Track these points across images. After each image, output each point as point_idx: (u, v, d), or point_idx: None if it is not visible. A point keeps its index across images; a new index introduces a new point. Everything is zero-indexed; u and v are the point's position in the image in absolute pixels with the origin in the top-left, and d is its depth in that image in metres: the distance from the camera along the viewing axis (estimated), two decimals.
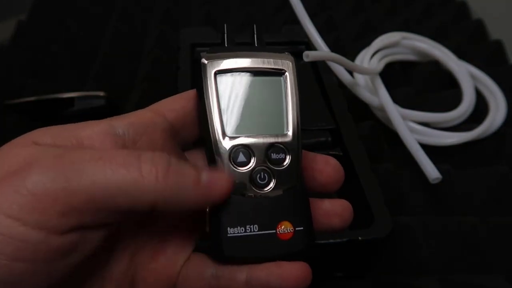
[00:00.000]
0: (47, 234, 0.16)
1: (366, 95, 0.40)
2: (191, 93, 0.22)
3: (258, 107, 0.21)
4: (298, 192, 0.21)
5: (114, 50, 0.49)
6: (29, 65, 0.47)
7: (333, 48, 0.38)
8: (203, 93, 0.20)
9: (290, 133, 0.21)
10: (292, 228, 0.20)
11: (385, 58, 0.45)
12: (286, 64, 0.21)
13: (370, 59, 0.44)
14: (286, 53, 0.22)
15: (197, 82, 0.21)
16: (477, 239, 0.33)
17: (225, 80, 0.20)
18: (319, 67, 0.40)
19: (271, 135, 0.20)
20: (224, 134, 0.20)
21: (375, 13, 0.56)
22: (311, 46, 0.41)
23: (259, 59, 0.21)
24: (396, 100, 0.41)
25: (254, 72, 0.21)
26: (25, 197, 0.15)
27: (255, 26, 0.23)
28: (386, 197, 0.30)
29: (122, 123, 0.20)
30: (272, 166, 0.20)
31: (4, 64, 0.46)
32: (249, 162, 0.20)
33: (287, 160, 0.20)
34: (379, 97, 0.40)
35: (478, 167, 0.39)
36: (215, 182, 0.19)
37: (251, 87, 0.21)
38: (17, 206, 0.15)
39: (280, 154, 0.20)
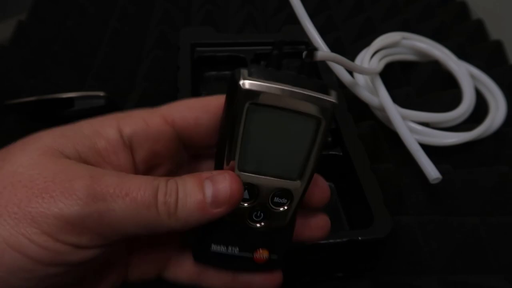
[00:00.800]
0: (73, 249, 0.18)
1: (366, 95, 0.40)
2: (209, 102, 0.21)
3: (279, 148, 0.20)
4: (284, 229, 0.22)
5: (114, 50, 0.49)
6: (29, 65, 0.47)
7: (333, 48, 0.38)
8: (230, 115, 0.19)
9: (301, 181, 0.20)
10: (268, 255, 0.22)
11: (385, 58, 0.45)
12: (326, 111, 0.19)
13: (370, 59, 0.44)
14: (333, 92, 0.20)
15: (229, 94, 0.20)
16: (477, 239, 0.33)
17: (257, 113, 0.19)
18: (319, 67, 0.40)
19: (281, 179, 0.20)
20: (237, 167, 0.20)
21: (375, 13, 0.56)
22: (311, 46, 0.41)
23: (300, 101, 0.19)
24: (396, 100, 0.41)
25: (290, 111, 0.19)
26: (63, 221, 0.18)
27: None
28: (386, 197, 0.30)
29: (129, 130, 0.21)
30: (271, 207, 0.21)
31: (4, 64, 0.46)
32: (252, 200, 0.20)
33: (287, 206, 0.21)
34: (379, 97, 0.40)
35: (478, 167, 0.39)
36: (219, 206, 0.20)
37: (281, 126, 0.19)
38: (54, 227, 0.18)
39: (283, 199, 0.21)
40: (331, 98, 0.19)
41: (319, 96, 0.19)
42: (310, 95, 0.19)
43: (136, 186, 0.19)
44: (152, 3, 0.57)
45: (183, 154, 0.23)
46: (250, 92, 0.18)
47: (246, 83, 0.18)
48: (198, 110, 0.21)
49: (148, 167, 0.22)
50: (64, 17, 0.53)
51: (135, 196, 0.19)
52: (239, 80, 0.18)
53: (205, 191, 0.20)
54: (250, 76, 0.18)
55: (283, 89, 0.19)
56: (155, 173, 0.23)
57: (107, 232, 0.19)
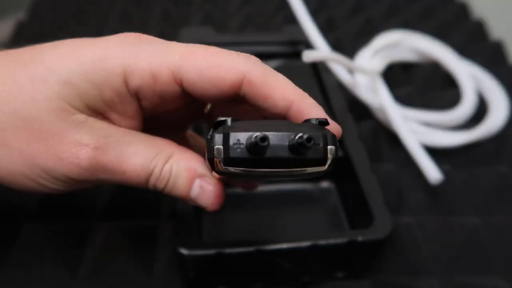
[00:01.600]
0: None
1: (366, 95, 0.40)
2: (224, 77, 0.21)
3: None
4: None
5: None
6: None
7: (333, 48, 0.38)
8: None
9: None
10: None
11: (386, 58, 0.45)
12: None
13: (371, 59, 0.44)
14: (329, 159, 0.19)
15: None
16: (478, 240, 0.33)
17: None
18: (319, 67, 0.40)
19: None
20: None
21: (376, 13, 0.56)
22: (311, 46, 0.41)
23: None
24: (396, 100, 0.41)
25: None
26: (66, 179, 0.21)
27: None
28: (386, 197, 0.30)
29: (135, 85, 0.21)
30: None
31: None
32: None
33: None
34: (380, 97, 0.40)
35: (478, 168, 0.39)
36: (199, 203, 0.23)
37: None
38: (56, 181, 0.21)
39: None
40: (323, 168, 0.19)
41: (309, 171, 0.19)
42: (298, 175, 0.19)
43: (133, 166, 0.21)
44: (152, 3, 0.57)
45: (196, 103, 0.23)
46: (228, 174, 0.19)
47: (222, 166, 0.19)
48: (210, 83, 0.21)
49: (155, 109, 0.23)
50: (64, 17, 0.53)
51: (131, 176, 0.21)
52: (214, 156, 0.19)
53: (191, 190, 0.22)
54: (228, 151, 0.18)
55: (265, 172, 0.19)
56: (163, 116, 0.24)
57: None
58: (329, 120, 0.21)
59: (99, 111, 0.21)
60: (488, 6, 0.57)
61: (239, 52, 0.22)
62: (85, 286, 0.29)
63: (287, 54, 0.42)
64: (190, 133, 0.29)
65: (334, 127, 0.21)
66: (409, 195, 0.36)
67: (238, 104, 0.23)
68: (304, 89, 0.22)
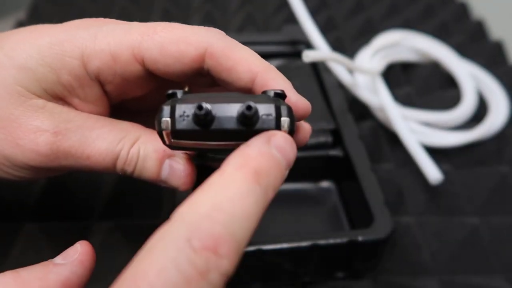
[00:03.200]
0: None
1: (366, 95, 0.40)
2: (185, 50, 0.20)
3: None
4: None
5: None
6: None
7: (333, 48, 0.38)
8: None
9: None
10: None
11: (386, 58, 0.45)
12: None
13: (371, 59, 0.44)
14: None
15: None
16: (478, 240, 0.33)
17: None
18: (319, 67, 0.40)
19: None
20: None
21: (376, 13, 0.56)
22: (311, 46, 0.41)
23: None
24: (396, 100, 0.41)
25: None
26: (28, 167, 0.21)
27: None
28: (386, 197, 0.30)
29: (94, 67, 0.20)
30: None
31: None
32: None
33: None
34: (380, 98, 0.40)
35: (478, 168, 0.39)
36: (170, 186, 0.22)
37: None
38: (16, 168, 0.21)
39: None
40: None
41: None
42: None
43: (97, 150, 0.20)
44: (152, 3, 0.57)
45: (165, 86, 0.22)
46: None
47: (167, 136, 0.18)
48: (171, 58, 0.20)
49: (121, 94, 0.22)
50: (64, 17, 0.53)
51: (97, 160, 0.20)
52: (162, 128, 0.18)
53: (161, 171, 0.21)
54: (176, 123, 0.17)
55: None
56: (134, 103, 0.23)
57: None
58: (294, 95, 0.20)
59: (58, 96, 0.21)
60: (488, 6, 0.57)
61: (201, 26, 0.21)
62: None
63: (287, 54, 0.42)
64: None
65: (299, 102, 0.20)
66: (409, 195, 0.36)
67: (214, 86, 0.22)
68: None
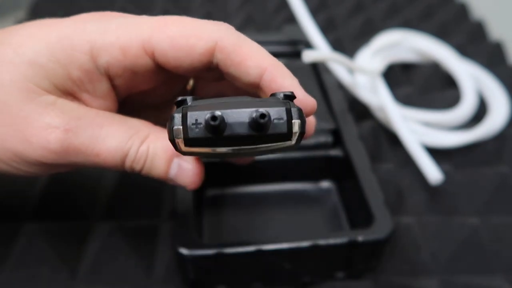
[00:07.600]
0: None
1: (366, 95, 0.40)
2: (195, 44, 0.20)
3: None
4: None
5: None
6: None
7: (333, 48, 0.38)
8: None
9: None
10: None
11: (386, 58, 0.45)
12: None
13: (371, 59, 0.44)
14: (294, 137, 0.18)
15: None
16: (478, 240, 0.33)
17: None
18: (319, 67, 0.40)
19: None
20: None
21: (376, 13, 0.56)
22: (311, 46, 0.41)
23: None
24: (397, 100, 0.41)
25: None
26: (38, 163, 0.21)
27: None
28: (387, 197, 0.30)
29: (103, 61, 0.20)
30: None
31: None
32: None
33: None
34: (380, 98, 0.40)
35: (478, 168, 0.39)
36: (178, 184, 0.22)
37: None
38: (28, 165, 0.21)
39: None
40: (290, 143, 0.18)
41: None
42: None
43: (107, 148, 0.20)
44: (152, 3, 0.57)
45: (173, 80, 0.23)
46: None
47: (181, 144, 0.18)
48: (182, 51, 0.20)
49: (129, 88, 0.22)
50: (64, 16, 0.53)
51: (106, 158, 0.20)
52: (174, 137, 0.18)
53: (170, 170, 0.21)
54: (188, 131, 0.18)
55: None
56: (141, 97, 0.23)
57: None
58: (301, 93, 0.20)
59: (68, 91, 0.21)
60: (488, 6, 0.57)
61: (211, 20, 0.21)
62: (85, 286, 0.29)
63: (287, 54, 0.42)
64: None
65: (306, 100, 0.20)
66: (409, 195, 0.36)
67: (221, 80, 0.22)
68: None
